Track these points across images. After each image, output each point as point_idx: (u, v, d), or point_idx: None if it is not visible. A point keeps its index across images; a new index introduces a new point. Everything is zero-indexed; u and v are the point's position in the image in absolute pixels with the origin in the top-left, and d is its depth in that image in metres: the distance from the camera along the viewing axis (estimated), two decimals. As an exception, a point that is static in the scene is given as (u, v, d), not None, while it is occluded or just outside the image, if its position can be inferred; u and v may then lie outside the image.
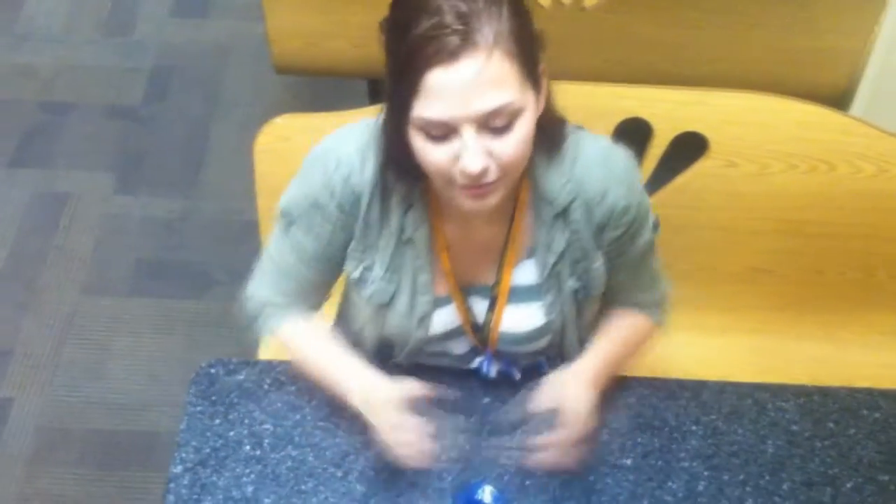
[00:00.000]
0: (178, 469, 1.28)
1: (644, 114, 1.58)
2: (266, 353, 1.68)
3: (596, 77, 1.60)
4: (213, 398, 1.36)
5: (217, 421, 1.33)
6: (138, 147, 2.77)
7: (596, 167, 1.23)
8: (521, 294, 1.30)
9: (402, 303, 1.29)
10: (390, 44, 1.09)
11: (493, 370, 1.38)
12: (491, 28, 1.04)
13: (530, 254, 1.28)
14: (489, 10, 1.04)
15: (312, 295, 1.37)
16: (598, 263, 1.28)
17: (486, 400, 1.36)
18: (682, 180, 1.63)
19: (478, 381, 1.38)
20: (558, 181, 1.22)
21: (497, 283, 1.30)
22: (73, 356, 2.30)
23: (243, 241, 2.48)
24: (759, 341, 1.77)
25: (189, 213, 2.61)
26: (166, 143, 2.79)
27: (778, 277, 1.73)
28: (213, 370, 1.39)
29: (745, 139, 1.59)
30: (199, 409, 1.34)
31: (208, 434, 1.31)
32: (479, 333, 1.34)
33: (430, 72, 1.04)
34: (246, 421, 1.33)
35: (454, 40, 1.03)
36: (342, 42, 2.17)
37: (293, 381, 1.37)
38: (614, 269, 1.32)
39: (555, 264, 1.27)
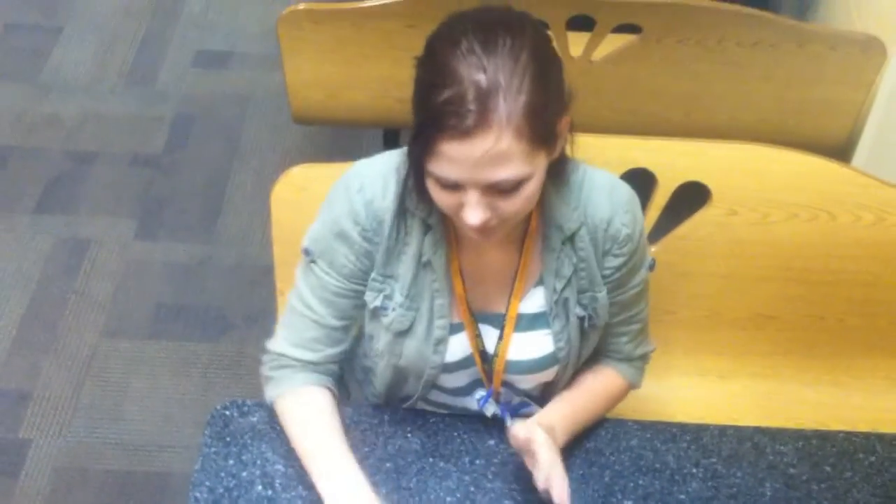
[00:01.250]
0: (193, 508, 1.32)
1: (648, 164, 1.63)
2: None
3: (604, 127, 1.65)
4: (228, 439, 1.39)
5: (231, 461, 1.36)
6: (159, 194, 2.85)
7: (602, 196, 1.30)
8: (529, 321, 1.35)
9: (420, 328, 1.33)
10: (415, 98, 1.15)
11: (490, 408, 1.41)
12: (506, 107, 1.08)
13: (539, 281, 1.33)
14: (510, 83, 1.08)
15: (333, 344, 1.38)
16: (603, 293, 1.34)
17: (491, 442, 1.39)
18: (685, 228, 1.67)
19: (483, 423, 1.41)
20: (567, 209, 1.29)
21: (507, 311, 1.34)
22: (92, 398, 2.35)
23: (259, 287, 2.54)
24: (762, 386, 1.80)
25: (207, 259, 2.67)
26: (186, 190, 2.86)
27: (781, 323, 1.76)
28: (227, 412, 1.43)
29: (746, 189, 1.63)
30: (213, 449, 1.38)
31: (222, 474, 1.35)
32: (488, 364, 1.37)
33: (444, 141, 1.10)
34: (258, 462, 1.36)
35: (469, 119, 1.08)
36: (359, 94, 2.23)
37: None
38: (612, 304, 1.37)
39: (562, 290, 1.32)
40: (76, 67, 3.25)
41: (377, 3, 2.02)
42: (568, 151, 1.25)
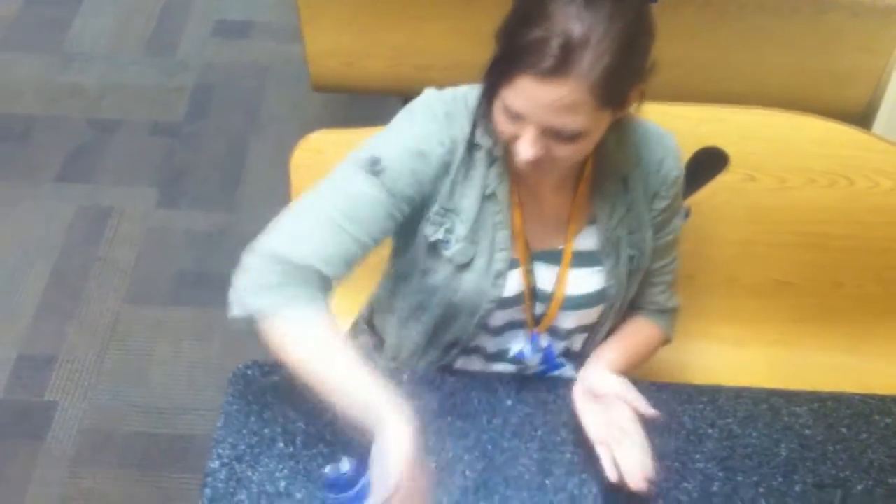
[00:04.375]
0: (216, 464, 1.34)
1: (668, 129, 1.63)
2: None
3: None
4: (249, 398, 1.41)
5: (252, 419, 1.39)
6: (180, 162, 2.87)
7: (654, 141, 1.37)
8: (582, 259, 1.39)
9: (480, 262, 1.35)
10: (505, 26, 1.17)
11: (537, 354, 1.44)
12: (589, 63, 1.10)
13: (592, 220, 1.37)
14: (599, 42, 1.10)
15: (350, 267, 1.26)
16: (650, 234, 1.39)
17: (508, 402, 1.41)
18: (703, 194, 1.68)
19: (501, 384, 1.43)
20: (621, 152, 1.34)
21: (563, 249, 1.38)
22: (115, 362, 2.39)
23: (279, 254, 2.56)
24: (779, 352, 1.81)
25: (228, 226, 2.69)
26: (207, 158, 2.88)
27: (798, 289, 1.76)
28: (249, 371, 1.45)
29: (764, 154, 1.64)
30: (235, 407, 1.40)
31: (244, 431, 1.37)
32: (537, 301, 1.40)
33: (522, 75, 1.12)
34: (280, 419, 1.39)
35: (551, 63, 1.10)
36: (377, 61, 2.24)
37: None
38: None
39: (615, 229, 1.36)
40: (97, 38, 3.27)
41: (396, -29, 2.03)
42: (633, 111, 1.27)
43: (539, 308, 1.41)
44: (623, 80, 1.15)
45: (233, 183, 2.81)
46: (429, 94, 1.32)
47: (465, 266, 1.35)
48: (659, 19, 2.06)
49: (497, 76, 1.17)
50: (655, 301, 1.49)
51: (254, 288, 1.25)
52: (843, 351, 1.80)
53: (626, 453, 1.25)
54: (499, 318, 1.42)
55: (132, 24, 3.32)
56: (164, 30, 3.30)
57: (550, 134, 1.17)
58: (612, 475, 1.25)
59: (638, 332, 1.49)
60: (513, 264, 1.37)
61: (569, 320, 1.43)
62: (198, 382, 2.33)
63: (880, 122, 2.12)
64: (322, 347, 1.22)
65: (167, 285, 2.55)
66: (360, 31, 2.19)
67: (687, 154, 1.65)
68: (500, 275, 1.35)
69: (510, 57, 1.14)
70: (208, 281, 2.56)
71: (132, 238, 2.66)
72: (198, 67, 3.17)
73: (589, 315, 1.43)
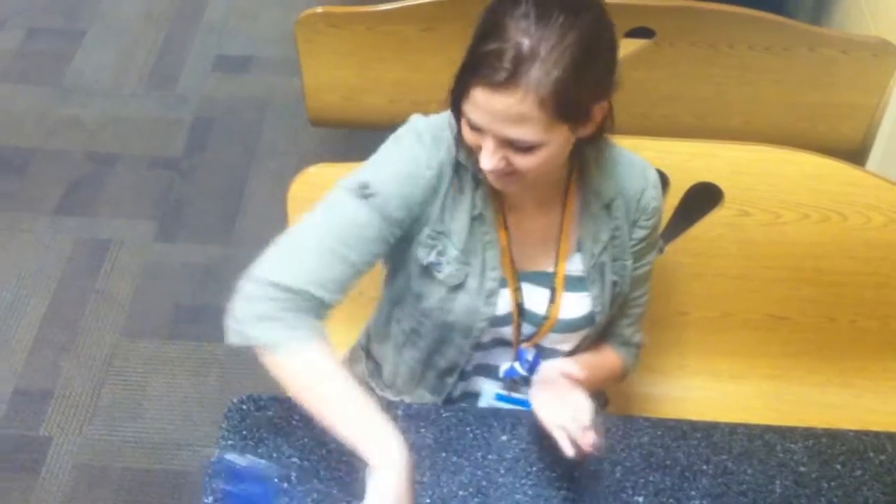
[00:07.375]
0: (209, 499, 1.33)
1: (660, 165, 1.64)
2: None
3: (617, 130, 1.67)
4: (244, 433, 1.41)
5: (247, 455, 1.38)
6: (179, 196, 2.88)
7: (636, 171, 1.41)
8: (572, 283, 1.42)
9: (472, 283, 1.37)
10: (473, 38, 1.21)
11: (525, 364, 1.46)
12: (537, 76, 1.14)
13: (579, 247, 1.40)
14: (548, 56, 1.14)
15: (346, 290, 1.29)
16: (630, 262, 1.43)
17: (504, 437, 1.41)
18: (697, 229, 1.69)
19: (496, 419, 1.43)
20: (604, 179, 1.38)
21: (555, 272, 1.41)
22: (112, 397, 2.38)
23: (277, 287, 2.57)
24: (773, 387, 1.81)
25: (226, 260, 2.70)
26: (205, 192, 2.89)
27: (792, 324, 1.77)
28: (244, 406, 1.45)
29: (758, 190, 1.65)
30: (230, 443, 1.40)
31: (238, 467, 1.37)
32: (524, 320, 1.43)
33: (477, 87, 1.17)
34: (274, 455, 1.38)
35: (501, 75, 1.15)
36: (376, 97, 2.26)
37: (320, 417, 1.43)
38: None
39: (600, 255, 1.39)
40: (98, 71, 3.30)
41: (393, 7, 2.05)
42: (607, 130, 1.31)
43: (526, 328, 1.44)
44: (578, 95, 1.17)
45: (231, 216, 2.82)
46: (415, 119, 1.36)
47: (457, 287, 1.37)
48: (653, 56, 2.10)
49: (458, 90, 1.21)
50: (621, 333, 1.52)
51: (253, 317, 1.26)
52: (837, 386, 1.80)
53: (580, 432, 1.22)
54: (488, 335, 1.45)
55: (133, 59, 3.34)
56: (165, 64, 3.32)
57: (507, 145, 1.20)
58: (568, 452, 1.22)
59: (603, 357, 1.52)
60: (502, 283, 1.39)
61: (555, 341, 1.46)
62: (193, 417, 2.33)
63: (874, 158, 2.14)
64: (321, 379, 1.26)
65: (164, 319, 2.55)
66: (358, 65, 2.21)
67: (681, 190, 1.67)
68: (493, 293, 1.38)
69: (467, 70, 1.18)
70: (205, 315, 2.56)
71: (130, 271, 2.67)
72: (197, 101, 3.19)
73: (574, 337, 1.46)
